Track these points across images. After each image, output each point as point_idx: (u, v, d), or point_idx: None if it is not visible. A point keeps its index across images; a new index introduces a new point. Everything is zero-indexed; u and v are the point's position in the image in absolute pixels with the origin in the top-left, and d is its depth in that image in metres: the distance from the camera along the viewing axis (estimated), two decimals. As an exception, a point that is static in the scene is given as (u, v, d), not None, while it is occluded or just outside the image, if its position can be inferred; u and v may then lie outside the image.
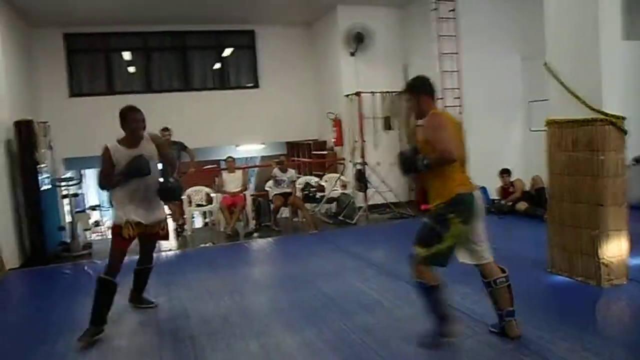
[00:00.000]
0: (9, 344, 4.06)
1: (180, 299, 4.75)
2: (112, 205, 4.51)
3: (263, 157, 13.98)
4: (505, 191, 7.95)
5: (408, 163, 3.36)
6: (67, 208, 7.93)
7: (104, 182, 4.03)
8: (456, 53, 8.75)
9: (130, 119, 3.97)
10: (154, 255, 4.64)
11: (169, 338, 3.88)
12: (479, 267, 3.45)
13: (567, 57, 4.52)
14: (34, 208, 6.75)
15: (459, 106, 8.81)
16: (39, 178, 6.87)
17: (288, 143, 11.80)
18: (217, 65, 10.76)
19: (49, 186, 7.31)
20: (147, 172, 3.92)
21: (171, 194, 4.23)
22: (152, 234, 4.17)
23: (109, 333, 4.01)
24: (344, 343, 3.55)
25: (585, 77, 4.34)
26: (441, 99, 8.69)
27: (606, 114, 4.18)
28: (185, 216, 8.32)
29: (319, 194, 8.71)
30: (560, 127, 4.57)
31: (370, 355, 3.35)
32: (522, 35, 8.90)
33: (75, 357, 3.64)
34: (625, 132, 4.23)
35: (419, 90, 3.38)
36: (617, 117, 4.19)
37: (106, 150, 3.95)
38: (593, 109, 4.21)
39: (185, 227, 8.26)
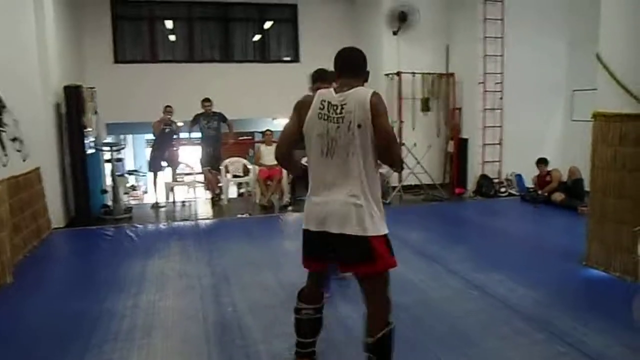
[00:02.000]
0: (60, 299, 4.30)
1: (221, 266, 4.93)
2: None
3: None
4: (541, 180, 7.89)
5: None
6: (109, 172, 8.20)
7: None
8: (500, 37, 8.61)
9: None
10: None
11: (212, 302, 4.05)
12: None
13: (620, 47, 4.43)
14: (80, 171, 7.00)
15: (500, 91, 8.72)
16: (85, 142, 7.10)
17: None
18: (258, 38, 10.80)
19: (94, 150, 7.55)
20: None
21: None
22: None
23: (154, 296, 4.22)
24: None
25: (638, 69, 4.27)
26: (482, 83, 8.62)
27: (658, 110, 4.12)
28: (220, 185, 8.50)
29: (354, 172, 8.74)
30: (607, 120, 4.52)
31: (405, 332, 3.43)
32: (569, 20, 8.70)
33: (123, 314, 3.84)
34: (676, 130, 4.18)
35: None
36: (669, 114, 4.13)
37: None
38: (645, 105, 4.15)
39: (222, 196, 8.45)
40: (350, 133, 2.35)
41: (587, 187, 5.15)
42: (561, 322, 3.53)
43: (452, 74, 9.15)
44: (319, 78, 3.69)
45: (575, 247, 5.05)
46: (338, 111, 2.37)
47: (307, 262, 2.66)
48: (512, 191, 8.72)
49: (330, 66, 8.93)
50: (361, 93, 2.37)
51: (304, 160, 2.74)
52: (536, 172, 8.00)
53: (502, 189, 8.77)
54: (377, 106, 2.35)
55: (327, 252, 2.51)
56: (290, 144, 2.61)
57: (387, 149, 2.43)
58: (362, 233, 2.38)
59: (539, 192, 7.82)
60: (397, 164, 2.60)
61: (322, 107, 2.41)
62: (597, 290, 4.33)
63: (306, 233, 2.54)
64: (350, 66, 2.54)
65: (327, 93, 2.45)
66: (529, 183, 8.37)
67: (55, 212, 6.69)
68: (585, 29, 7.86)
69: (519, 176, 8.67)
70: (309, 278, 2.77)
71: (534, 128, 8.83)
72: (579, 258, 4.86)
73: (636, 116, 4.24)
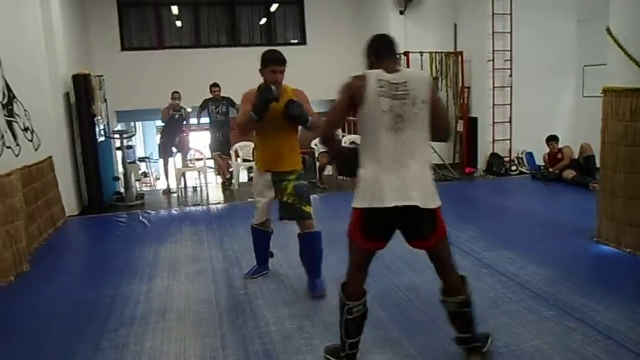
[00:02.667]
0: (75, 285, 4.39)
1: (233, 250, 4.98)
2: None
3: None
4: (552, 158, 7.83)
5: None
6: (119, 159, 8.27)
7: None
8: (509, 13, 8.50)
9: None
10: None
11: (224, 286, 4.11)
12: None
13: (631, 22, 4.37)
14: (92, 159, 7.07)
15: (509, 69, 8.63)
16: (96, 130, 7.15)
17: (332, 101, 11.79)
18: (264, 21, 10.75)
19: (104, 138, 7.61)
20: None
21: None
22: None
23: (168, 280, 4.29)
24: (391, 299, 3.71)
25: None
26: (490, 61, 8.53)
27: (669, 84, 4.07)
28: (231, 170, 8.55)
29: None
30: (618, 95, 4.47)
31: (416, 312, 3.49)
32: (578, -5, 8.57)
33: (137, 299, 3.91)
34: (687, 104, 4.13)
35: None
36: (681, 88, 4.08)
37: None
38: (656, 79, 4.10)
39: (233, 181, 8.50)
40: (415, 108, 2.49)
41: (598, 164, 5.11)
42: (571, 299, 3.54)
43: (460, 53, 9.06)
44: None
45: (586, 224, 5.04)
46: (401, 89, 2.48)
47: (371, 242, 2.61)
48: (523, 169, 8.68)
49: (336, 47, 8.91)
50: (418, 72, 2.91)
51: (346, 140, 2.87)
52: (546, 149, 7.94)
53: (513, 168, 8.73)
54: (433, 85, 2.64)
55: (398, 228, 2.56)
56: (339, 124, 2.82)
57: (445, 123, 2.69)
58: (435, 205, 2.52)
59: (550, 169, 7.77)
60: (449, 136, 2.82)
61: (381, 86, 2.48)
62: (608, 266, 4.32)
63: (374, 211, 2.46)
64: (392, 50, 2.67)
65: (380, 73, 2.52)
66: (539, 161, 8.32)
67: (69, 200, 6.78)
68: (595, 4, 7.74)
69: (529, 154, 8.62)
70: (357, 269, 2.69)
71: (544, 105, 8.76)
72: (590, 234, 4.86)
73: (647, 90, 4.19)
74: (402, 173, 2.46)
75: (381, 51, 2.64)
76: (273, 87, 3.52)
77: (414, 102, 2.48)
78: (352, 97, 2.54)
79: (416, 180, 2.47)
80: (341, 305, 2.68)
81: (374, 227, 2.54)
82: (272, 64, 3.59)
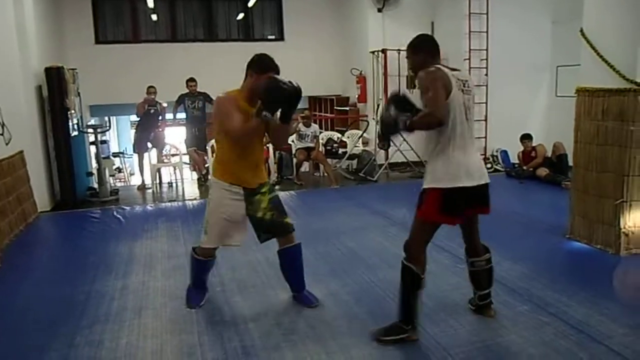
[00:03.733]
0: (48, 282, 4.30)
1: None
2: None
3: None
4: (526, 156, 7.97)
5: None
6: (93, 154, 8.14)
7: None
8: (485, 13, 8.61)
9: None
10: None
11: (201, 284, 4.07)
12: None
13: (604, 24, 4.46)
14: (65, 153, 6.93)
15: (485, 68, 8.74)
16: (69, 124, 7.01)
17: (310, 97, 11.80)
18: (242, 16, 10.68)
19: (77, 132, 7.47)
20: None
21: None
22: None
23: (144, 277, 4.24)
24: (368, 295, 3.72)
25: (622, 45, 4.28)
26: (467, 59, 8.63)
27: (640, 85, 4.17)
28: (207, 165, 8.48)
29: (341, 150, 8.80)
30: (590, 95, 4.57)
31: (394, 307, 3.49)
32: (553, -4, 8.72)
33: (112, 296, 3.85)
34: (657, 104, 4.23)
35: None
36: (651, 88, 4.18)
37: None
38: (628, 80, 4.19)
39: (209, 177, 8.43)
40: (472, 103, 2.96)
41: (571, 162, 5.21)
42: (544, 294, 3.61)
43: (437, 51, 9.13)
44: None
45: (559, 221, 5.14)
46: (466, 86, 2.90)
47: (457, 219, 2.98)
48: (498, 167, 8.81)
49: (314, 44, 8.83)
50: (465, 72, 3.02)
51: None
52: (521, 148, 8.07)
53: (488, 165, 8.85)
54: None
55: (471, 202, 2.96)
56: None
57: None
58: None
59: (524, 167, 7.90)
60: None
61: (457, 81, 2.85)
62: (580, 263, 4.42)
63: (462, 190, 2.84)
64: (439, 51, 3.03)
65: (450, 71, 2.88)
66: (514, 159, 8.46)
67: (41, 195, 6.63)
68: (570, 6, 7.87)
69: (504, 152, 8.76)
70: (425, 247, 3.02)
71: (519, 104, 8.91)
72: (563, 231, 4.96)
73: (618, 91, 4.28)
74: (475, 157, 2.98)
75: (435, 51, 2.99)
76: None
77: (473, 97, 2.97)
78: (445, 87, 2.79)
79: (482, 162, 3.04)
80: (415, 282, 2.95)
81: (457, 204, 2.89)
82: (272, 71, 3.19)
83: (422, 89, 2.83)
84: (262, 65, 3.22)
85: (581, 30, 4.61)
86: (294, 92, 3.03)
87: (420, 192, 2.96)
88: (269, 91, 3.01)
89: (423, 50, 2.97)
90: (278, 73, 3.21)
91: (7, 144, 5.63)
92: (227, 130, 3.17)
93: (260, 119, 3.02)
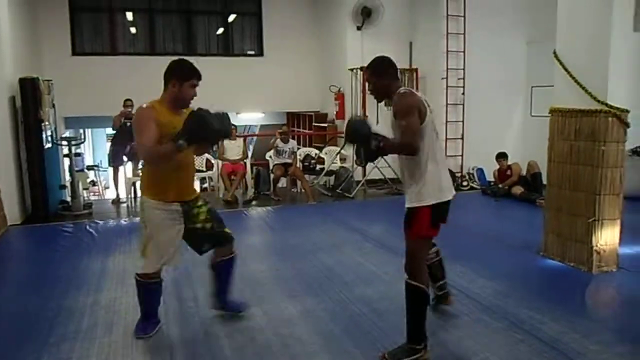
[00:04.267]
0: (16, 297, 4.18)
1: (184, 261, 4.83)
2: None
3: (262, 126, 14.00)
4: (502, 174, 8.07)
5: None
6: (67, 167, 7.99)
7: None
8: (462, 33, 8.76)
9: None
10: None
11: (173, 298, 4.00)
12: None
13: (576, 46, 4.56)
14: (37, 166, 6.78)
15: (462, 87, 8.87)
16: (42, 136, 6.89)
17: (288, 113, 11.82)
18: (221, 31, 10.69)
19: (51, 144, 7.33)
20: None
21: None
22: None
23: (115, 293, 4.15)
24: (344, 313, 3.70)
25: (593, 67, 4.39)
26: (444, 78, 8.75)
27: (611, 107, 4.26)
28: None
29: (318, 166, 8.81)
30: (563, 116, 4.66)
31: (369, 325, 3.49)
32: (528, 19, 8.91)
33: (82, 312, 3.75)
34: (627, 126, 4.33)
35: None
36: (622, 110, 4.27)
37: None
38: (599, 101, 4.29)
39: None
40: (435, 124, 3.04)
41: (545, 181, 5.29)
42: (519, 311, 3.63)
43: (415, 69, 9.26)
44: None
45: (533, 239, 5.20)
46: (430, 106, 2.97)
47: (436, 230, 3.04)
48: (474, 185, 8.90)
49: (293, 59, 8.90)
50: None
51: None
52: (496, 166, 8.17)
53: (464, 183, 8.94)
54: None
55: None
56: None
57: None
58: None
59: (500, 185, 8.00)
60: None
61: (425, 103, 2.93)
62: (553, 280, 4.47)
63: (444, 204, 2.97)
64: None
65: (417, 93, 3.03)
66: (490, 177, 8.55)
67: (11, 208, 6.47)
68: (544, 27, 8.03)
69: (480, 170, 8.85)
70: (424, 261, 3.15)
71: (495, 123, 9.03)
72: (537, 249, 5.01)
73: (590, 112, 4.38)
74: (446, 172, 3.05)
75: (396, 73, 3.08)
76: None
77: (434, 118, 3.02)
78: (420, 113, 2.87)
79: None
80: (423, 299, 2.97)
81: (440, 217, 3.00)
82: (195, 77, 3.08)
83: (398, 113, 2.88)
84: (184, 72, 3.08)
85: (554, 52, 4.71)
86: (222, 133, 3.05)
87: (406, 213, 2.97)
88: (197, 127, 2.86)
89: (389, 75, 3.01)
90: (200, 78, 3.10)
91: (-23, 155, 5.50)
92: (138, 149, 3.03)
93: (176, 147, 2.85)
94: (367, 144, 2.92)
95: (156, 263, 3.23)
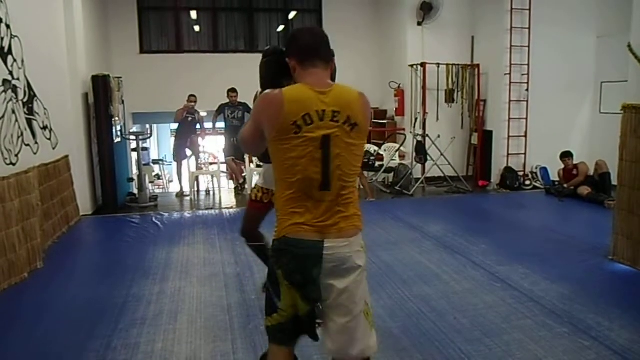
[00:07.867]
0: (88, 283, 4.42)
1: (245, 255, 4.97)
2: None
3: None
4: (567, 174, 7.77)
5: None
6: (134, 161, 8.34)
7: None
8: (527, 28, 8.47)
9: None
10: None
11: (236, 291, 4.11)
12: None
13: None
14: (108, 159, 7.13)
15: (526, 83, 8.60)
16: (113, 131, 7.21)
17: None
18: (282, 28, 10.82)
19: (120, 139, 7.67)
20: None
21: None
22: None
23: (180, 283, 4.31)
24: (402, 311, 3.68)
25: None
26: (507, 74, 8.51)
27: (690, 103, 4.04)
28: (244, 175, 8.57)
29: (377, 163, 8.78)
30: (637, 113, 4.44)
31: (428, 324, 3.46)
32: (599, 12, 8.53)
33: (149, 300, 3.92)
34: None
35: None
36: (702, 107, 4.04)
37: None
38: (677, 97, 4.07)
39: (245, 186, 8.53)
40: None
41: (614, 181, 5.06)
42: (585, 316, 3.50)
43: (477, 65, 9.05)
44: None
45: (601, 242, 4.99)
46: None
47: None
48: (537, 184, 8.62)
49: (354, 57, 8.84)
50: None
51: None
52: (561, 165, 7.88)
53: (527, 182, 8.68)
54: None
55: None
56: None
57: None
58: None
59: (565, 185, 7.71)
60: None
61: None
62: (623, 286, 4.26)
63: None
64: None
65: None
66: (554, 176, 8.27)
67: (83, 199, 6.82)
68: (615, 20, 7.71)
69: (544, 169, 8.57)
70: None
71: (560, 120, 8.70)
72: (605, 252, 4.80)
73: (667, 109, 4.16)
74: None
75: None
76: None
77: None
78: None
79: None
80: None
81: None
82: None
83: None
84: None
85: (629, 45, 4.49)
86: None
87: None
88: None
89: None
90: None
91: (53, 149, 5.83)
92: None
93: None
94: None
95: None
